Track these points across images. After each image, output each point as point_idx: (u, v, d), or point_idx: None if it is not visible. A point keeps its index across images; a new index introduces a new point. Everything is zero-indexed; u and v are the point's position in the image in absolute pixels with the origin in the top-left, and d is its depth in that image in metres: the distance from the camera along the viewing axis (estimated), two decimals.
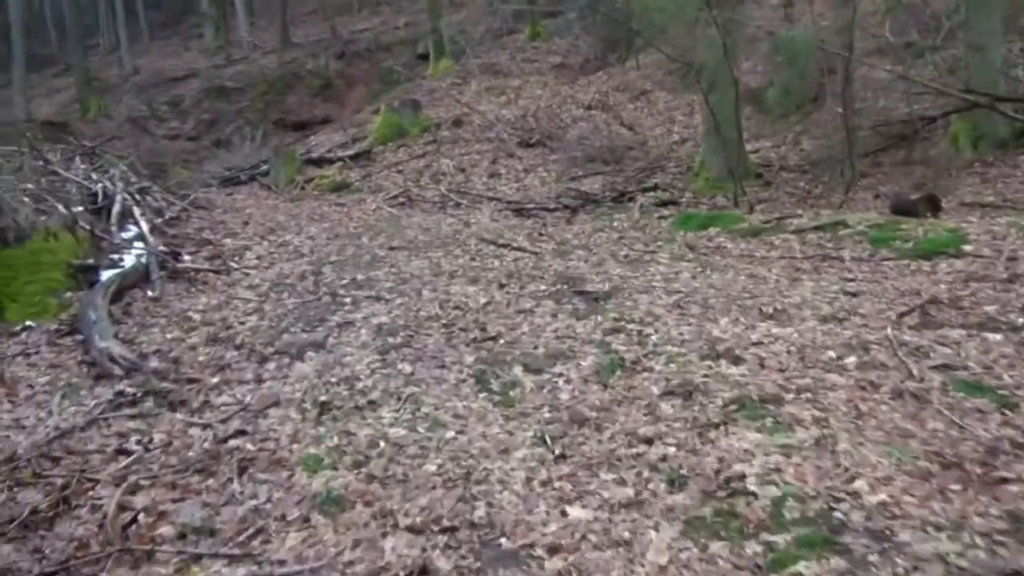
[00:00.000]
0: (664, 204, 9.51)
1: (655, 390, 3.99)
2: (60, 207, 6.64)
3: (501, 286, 6.25)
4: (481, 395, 4.17)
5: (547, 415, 3.85)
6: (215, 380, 4.56)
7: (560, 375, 4.34)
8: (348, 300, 6.05)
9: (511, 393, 4.16)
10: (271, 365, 4.78)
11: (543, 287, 6.15)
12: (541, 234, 8.62)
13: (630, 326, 4.98)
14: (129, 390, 4.27)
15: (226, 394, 4.37)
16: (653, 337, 4.74)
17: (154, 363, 4.77)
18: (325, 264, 7.27)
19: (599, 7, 19.01)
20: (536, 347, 4.78)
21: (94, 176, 8.46)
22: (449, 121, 14.95)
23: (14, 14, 23.80)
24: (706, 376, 4.07)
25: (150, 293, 6.27)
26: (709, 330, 4.80)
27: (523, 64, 19.45)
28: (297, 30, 27.39)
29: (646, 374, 4.22)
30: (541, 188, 11.78)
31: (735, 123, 9.87)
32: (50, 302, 5.71)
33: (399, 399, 4.12)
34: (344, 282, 6.58)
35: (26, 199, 6.46)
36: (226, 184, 14.40)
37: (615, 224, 8.85)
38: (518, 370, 4.45)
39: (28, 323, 5.53)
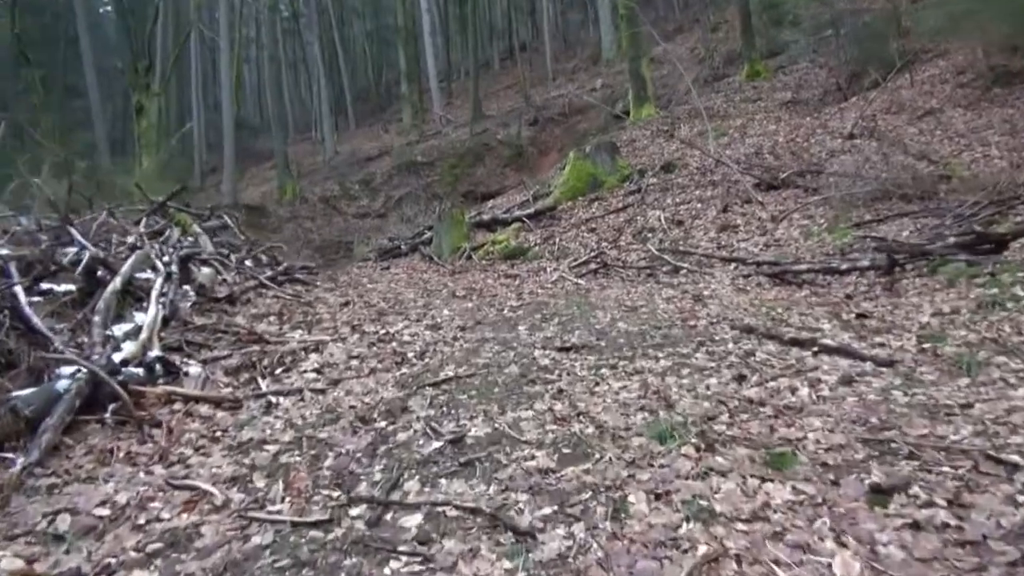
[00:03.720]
0: None
1: None
2: None
3: (879, 495, 1.86)
4: None
5: None
6: None
7: None
8: (410, 528, 1.96)
9: None
10: None
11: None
12: (862, 316, 4.06)
13: None
14: None
15: None
16: None
17: None
18: (427, 385, 3.30)
19: (842, 29, 14.45)
20: None
21: (130, 240, 5.29)
22: (657, 166, 10.82)
23: (226, 115, 23.49)
24: None
25: (19, 463, 2.62)
26: None
27: (742, 104, 14.99)
28: (491, 104, 25.03)
29: None
30: (806, 241, 7.18)
31: None
32: None
33: None
34: (436, 445, 2.53)
35: None
36: (385, 256, 11.22)
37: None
38: None
39: None
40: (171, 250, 5.25)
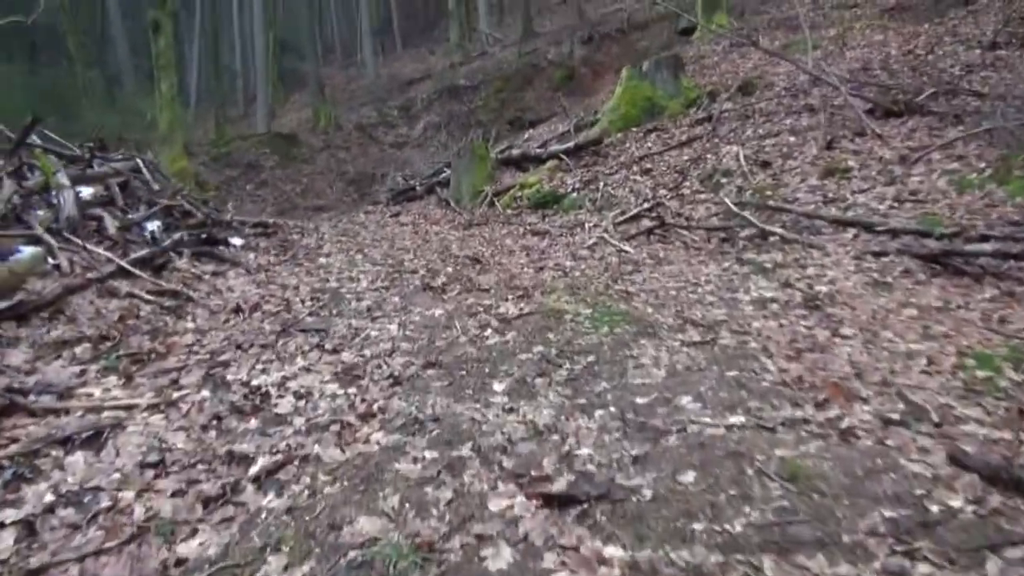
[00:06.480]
0: None
1: None
2: None
3: None
4: None
5: None
6: None
7: None
8: None
9: None
10: None
11: None
12: None
13: None
14: None
15: None
16: None
17: None
18: None
19: None
20: None
21: None
22: (732, 87, 8.12)
23: (258, 36, 21.32)
24: None
25: None
26: None
27: (833, 11, 11.87)
28: (543, 20, 21.90)
29: None
30: (961, 196, 4.62)
31: None
32: None
33: None
34: None
35: None
36: (399, 198, 8.99)
37: None
38: None
39: None
40: None
